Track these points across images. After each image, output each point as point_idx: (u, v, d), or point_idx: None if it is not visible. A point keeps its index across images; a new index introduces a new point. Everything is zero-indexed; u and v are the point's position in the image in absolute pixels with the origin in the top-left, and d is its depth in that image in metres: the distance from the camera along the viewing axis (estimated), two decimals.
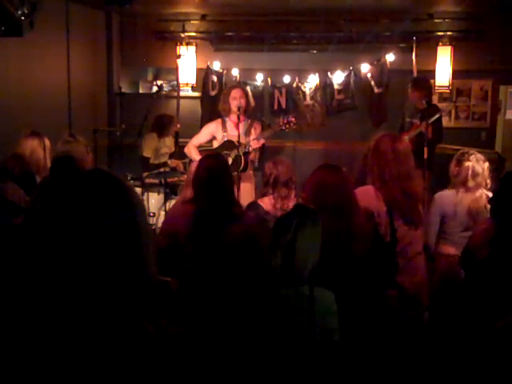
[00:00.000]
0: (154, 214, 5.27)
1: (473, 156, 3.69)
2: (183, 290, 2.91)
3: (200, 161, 3.23)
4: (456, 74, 6.83)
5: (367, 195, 2.88)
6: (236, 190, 4.50)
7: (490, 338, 1.65)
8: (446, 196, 3.71)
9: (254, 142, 4.89)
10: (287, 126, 4.95)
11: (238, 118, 4.83)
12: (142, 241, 1.19)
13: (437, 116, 5.21)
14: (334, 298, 2.26)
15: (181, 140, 6.35)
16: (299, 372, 2.16)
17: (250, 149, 4.89)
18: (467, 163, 3.65)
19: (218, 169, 3.10)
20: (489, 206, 3.19)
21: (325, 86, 7.01)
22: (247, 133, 5.03)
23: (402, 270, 2.86)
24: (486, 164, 3.70)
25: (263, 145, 5.01)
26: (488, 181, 3.66)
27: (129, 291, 1.16)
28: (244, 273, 2.78)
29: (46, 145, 4.18)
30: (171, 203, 5.04)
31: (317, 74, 6.96)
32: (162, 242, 3.16)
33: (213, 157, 3.29)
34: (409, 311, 2.87)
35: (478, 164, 3.66)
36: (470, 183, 3.62)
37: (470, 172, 3.63)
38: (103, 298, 1.14)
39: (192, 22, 7.11)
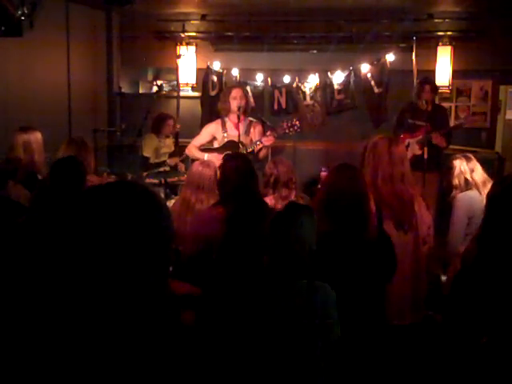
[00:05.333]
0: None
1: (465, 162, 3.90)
2: (210, 295, 2.82)
3: (225, 162, 3.13)
4: (456, 74, 6.83)
5: None
6: None
7: (473, 355, 1.65)
8: (473, 196, 3.79)
9: (265, 139, 4.89)
10: (291, 129, 4.96)
11: (238, 117, 4.82)
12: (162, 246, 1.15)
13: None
14: (332, 291, 2.25)
15: (181, 140, 6.35)
16: (299, 368, 2.16)
17: (260, 146, 4.90)
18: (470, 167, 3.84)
19: (245, 168, 3.05)
20: None
21: (325, 86, 7.00)
22: (247, 132, 5.03)
23: None
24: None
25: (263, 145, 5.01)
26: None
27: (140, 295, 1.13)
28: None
29: (38, 139, 4.17)
30: (171, 203, 5.03)
31: (317, 74, 6.95)
32: (191, 248, 3.08)
33: (238, 157, 3.20)
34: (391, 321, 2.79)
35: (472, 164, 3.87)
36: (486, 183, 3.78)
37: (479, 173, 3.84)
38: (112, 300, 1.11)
39: (192, 22, 7.11)
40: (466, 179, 3.88)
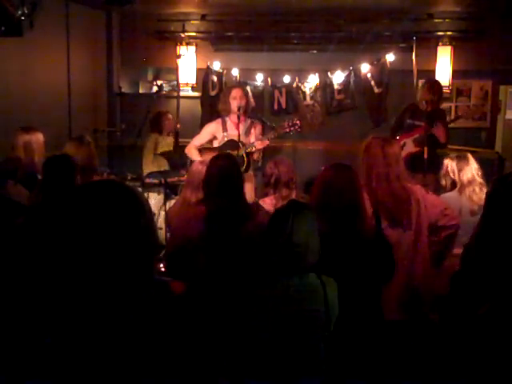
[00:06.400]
0: (154, 214, 5.26)
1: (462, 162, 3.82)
2: (193, 291, 2.84)
3: (211, 161, 3.15)
4: (456, 74, 6.83)
5: None
6: None
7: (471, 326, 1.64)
8: (450, 197, 3.75)
9: (259, 143, 4.89)
10: (292, 129, 4.95)
11: (238, 118, 4.82)
12: (146, 243, 1.25)
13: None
14: (336, 287, 2.26)
15: (181, 140, 6.35)
16: (302, 361, 2.15)
17: (254, 149, 4.89)
18: (466, 167, 3.77)
19: (230, 169, 3.05)
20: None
21: (325, 85, 7.01)
22: (247, 133, 5.03)
23: None
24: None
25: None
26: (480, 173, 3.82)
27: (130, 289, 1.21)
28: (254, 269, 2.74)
29: (39, 139, 4.17)
30: (171, 203, 5.03)
31: (317, 74, 6.96)
32: (173, 245, 3.11)
33: (224, 157, 3.22)
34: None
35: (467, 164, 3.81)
36: (476, 182, 3.74)
37: (475, 173, 3.76)
38: (103, 297, 1.17)
39: (192, 22, 7.11)
40: (452, 180, 3.81)
